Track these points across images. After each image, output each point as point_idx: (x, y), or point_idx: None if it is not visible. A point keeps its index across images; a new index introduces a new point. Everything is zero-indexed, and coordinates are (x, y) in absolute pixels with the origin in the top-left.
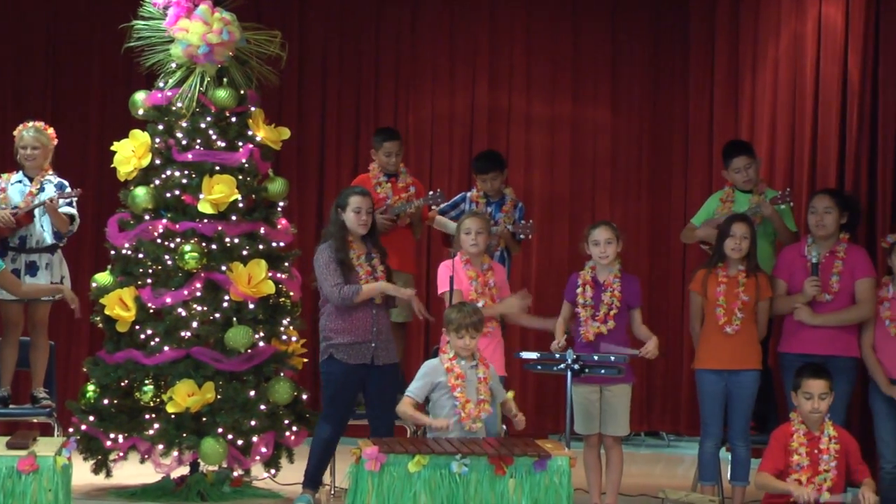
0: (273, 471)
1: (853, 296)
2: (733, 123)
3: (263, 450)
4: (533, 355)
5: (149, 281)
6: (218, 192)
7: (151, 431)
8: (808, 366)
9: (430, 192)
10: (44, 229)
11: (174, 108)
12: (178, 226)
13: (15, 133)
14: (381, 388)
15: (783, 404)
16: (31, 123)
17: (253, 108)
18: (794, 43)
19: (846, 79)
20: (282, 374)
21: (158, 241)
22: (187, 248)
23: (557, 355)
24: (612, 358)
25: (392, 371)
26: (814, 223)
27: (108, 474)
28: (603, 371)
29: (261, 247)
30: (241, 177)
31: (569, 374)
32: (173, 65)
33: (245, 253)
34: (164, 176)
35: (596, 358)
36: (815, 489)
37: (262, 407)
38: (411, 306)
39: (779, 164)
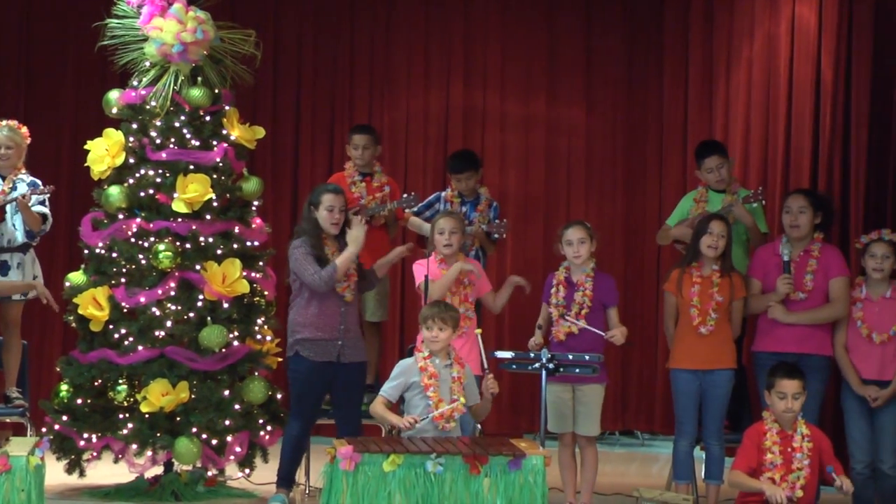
0: (247, 470)
1: (827, 295)
2: (707, 123)
3: (238, 449)
4: (508, 354)
5: (122, 280)
6: (192, 191)
7: (125, 431)
8: (781, 365)
9: (405, 195)
10: (16, 228)
11: (148, 107)
12: (152, 225)
13: None
14: (347, 387)
15: (757, 403)
16: (4, 122)
17: (227, 107)
18: (767, 43)
19: (819, 79)
20: (256, 374)
21: (132, 240)
22: (161, 247)
23: (532, 354)
24: (587, 357)
25: (359, 370)
26: (788, 223)
27: (82, 474)
28: (578, 370)
29: (235, 246)
30: (215, 176)
31: (543, 373)
32: (147, 63)
33: (219, 252)
34: (138, 175)
35: (570, 357)
36: (788, 487)
37: (237, 406)
38: (385, 305)
39: (752, 164)
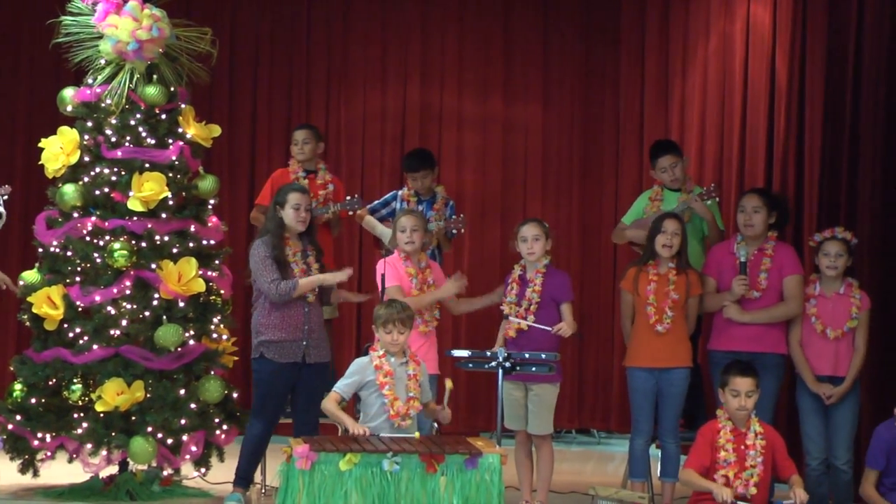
0: (203, 470)
1: (781, 293)
2: (663, 122)
3: (193, 448)
4: (464, 353)
5: (77, 279)
6: (148, 189)
7: (80, 430)
8: (735, 363)
9: (348, 197)
10: None
11: (103, 105)
12: (107, 223)
13: None
14: (310, 387)
15: (712, 402)
16: None
17: (183, 106)
18: (723, 43)
19: (774, 78)
20: (212, 373)
21: (87, 238)
22: (116, 245)
23: (489, 353)
24: (544, 356)
25: (322, 370)
26: (742, 222)
27: (36, 474)
28: (534, 369)
29: (191, 244)
30: (171, 174)
31: (500, 372)
32: (102, 61)
33: (175, 251)
34: (93, 173)
35: (527, 356)
36: (741, 485)
37: (193, 405)
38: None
39: (708, 164)
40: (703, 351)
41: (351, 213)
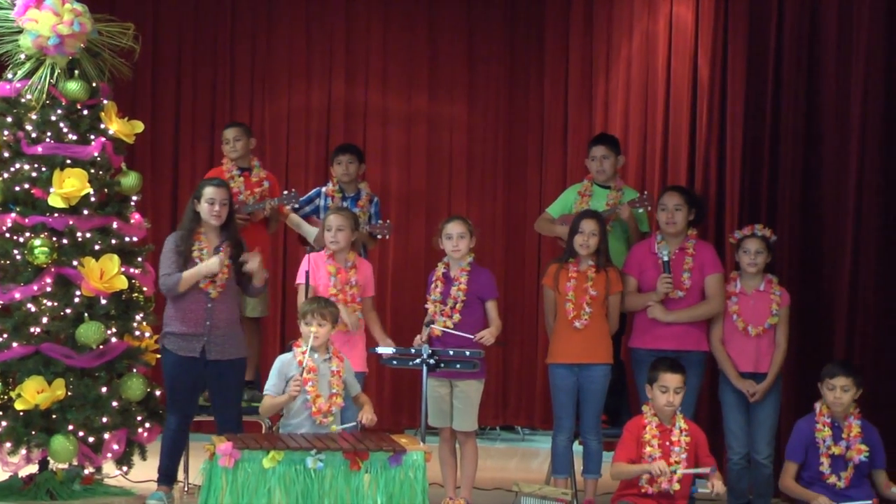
0: (125, 468)
1: (703, 291)
2: (587, 121)
3: (115, 447)
4: (389, 350)
5: None
6: (69, 185)
7: None
8: (663, 360)
9: (285, 192)
10: None
11: (23, 101)
12: (27, 220)
13: None
14: (220, 385)
15: (635, 398)
16: None
17: (105, 101)
18: (646, 42)
19: (696, 77)
20: (134, 371)
21: (7, 235)
22: (37, 242)
23: (413, 350)
24: (468, 353)
25: (232, 368)
26: (664, 220)
27: None
28: (459, 366)
29: (113, 241)
30: (93, 170)
31: (424, 369)
32: (22, 56)
33: (97, 248)
34: (12, 169)
35: (451, 353)
36: (665, 480)
37: (115, 403)
38: (266, 301)
39: (631, 162)
40: (626, 348)
41: (289, 207)
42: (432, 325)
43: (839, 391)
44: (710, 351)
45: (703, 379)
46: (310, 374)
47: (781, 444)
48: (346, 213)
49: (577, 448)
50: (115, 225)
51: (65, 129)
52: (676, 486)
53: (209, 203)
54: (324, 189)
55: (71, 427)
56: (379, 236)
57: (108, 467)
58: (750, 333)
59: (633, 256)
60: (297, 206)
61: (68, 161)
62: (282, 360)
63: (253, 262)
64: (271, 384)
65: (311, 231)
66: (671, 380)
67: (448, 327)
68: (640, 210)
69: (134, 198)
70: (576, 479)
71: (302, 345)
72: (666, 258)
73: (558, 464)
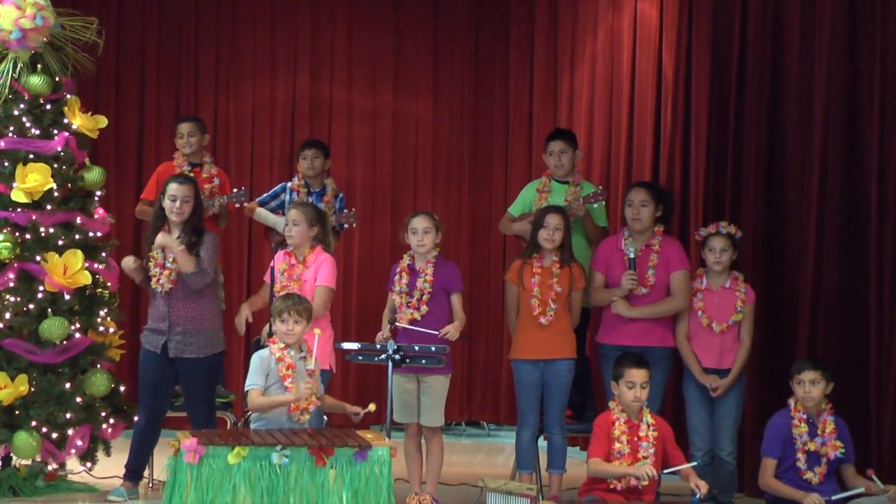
0: (89, 464)
1: (668, 288)
2: (552, 116)
3: (79, 443)
4: (354, 346)
5: None
6: (32, 180)
7: None
8: (629, 355)
9: (235, 190)
10: None
11: None
12: None
13: None
14: (186, 383)
15: (601, 393)
16: None
17: (68, 96)
18: (610, 38)
19: (661, 73)
20: (98, 366)
21: None
22: (0, 237)
23: (378, 345)
24: (434, 348)
25: (196, 366)
26: (630, 216)
27: None
28: (424, 361)
29: (77, 237)
30: (56, 165)
31: (390, 364)
32: None
33: (61, 243)
34: None
35: (417, 348)
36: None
37: (78, 399)
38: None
39: (596, 157)
40: (591, 343)
41: (238, 205)
42: (398, 324)
43: (808, 385)
44: (676, 347)
45: (669, 375)
46: (289, 371)
47: (744, 440)
48: (304, 208)
49: (542, 444)
50: (78, 220)
51: (27, 124)
52: (645, 482)
53: (171, 200)
54: (289, 184)
55: (34, 423)
56: (346, 225)
57: (72, 463)
58: (714, 330)
59: (600, 252)
60: (262, 199)
61: (31, 156)
62: (261, 356)
63: (162, 239)
64: (254, 379)
65: (278, 221)
66: (637, 375)
67: (415, 319)
68: (595, 205)
69: (98, 193)
70: (541, 474)
71: (278, 342)
72: (632, 255)
73: (523, 459)
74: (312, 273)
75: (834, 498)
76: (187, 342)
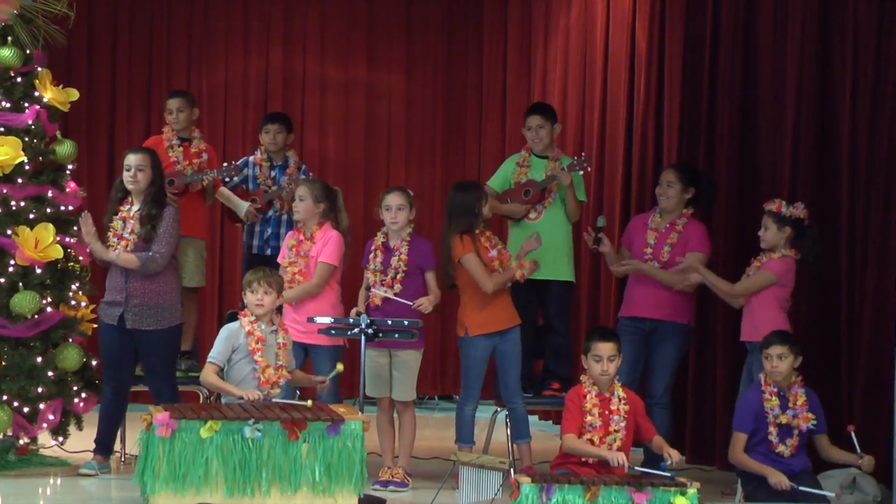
0: (61, 438)
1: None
2: (526, 91)
3: (51, 417)
4: (327, 320)
5: None
6: (3, 154)
7: None
8: (598, 329)
9: (225, 164)
10: None
11: None
12: None
13: None
14: (144, 355)
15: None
16: None
17: (39, 69)
18: (584, 12)
19: (634, 48)
20: (70, 340)
21: None
22: None
23: (352, 320)
24: (406, 322)
25: (154, 337)
26: (658, 193)
27: None
28: (397, 335)
29: (48, 210)
30: (27, 139)
31: (363, 338)
32: None
33: (32, 216)
34: None
35: (390, 322)
36: (605, 448)
37: (50, 374)
38: (203, 271)
39: (569, 132)
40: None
41: (227, 180)
42: (373, 291)
43: (775, 360)
44: (690, 324)
45: (683, 353)
46: (258, 345)
47: (716, 413)
48: (310, 184)
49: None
50: (49, 194)
51: None
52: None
53: (126, 170)
54: (251, 158)
55: (5, 397)
56: (230, 179)
57: (44, 438)
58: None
59: (629, 227)
60: (234, 176)
61: (1, 129)
62: (229, 328)
63: (99, 253)
64: (216, 352)
65: (240, 205)
66: (603, 349)
67: (389, 296)
68: (580, 172)
69: (69, 166)
70: (512, 447)
71: (248, 314)
72: (600, 224)
73: (465, 433)
74: (319, 249)
75: (801, 488)
76: (145, 314)
